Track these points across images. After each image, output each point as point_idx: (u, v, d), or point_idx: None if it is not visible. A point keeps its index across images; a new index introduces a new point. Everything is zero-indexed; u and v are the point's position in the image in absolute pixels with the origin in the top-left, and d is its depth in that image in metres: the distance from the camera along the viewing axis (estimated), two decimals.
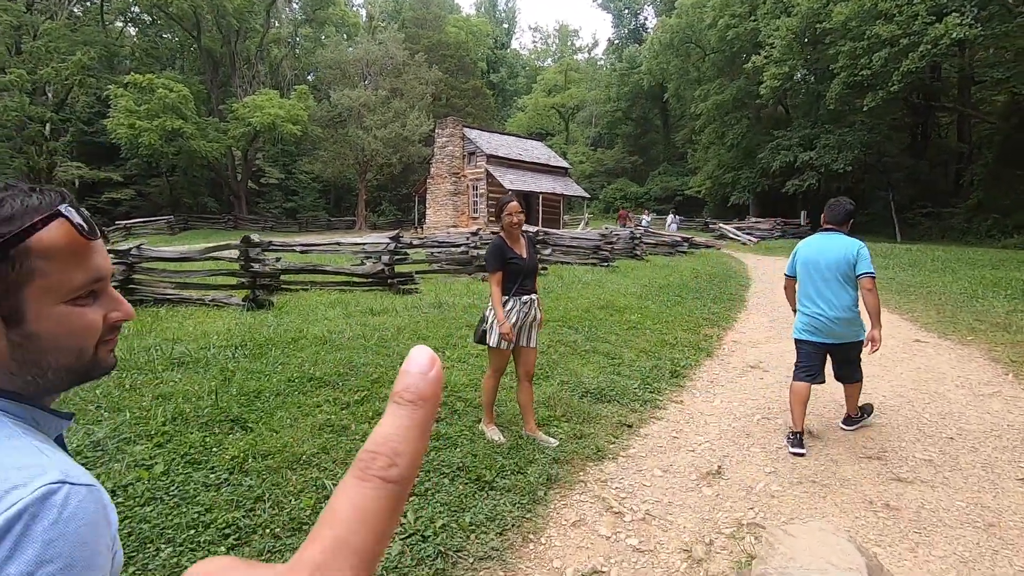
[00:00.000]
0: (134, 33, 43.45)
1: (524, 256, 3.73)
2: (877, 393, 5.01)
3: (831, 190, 30.11)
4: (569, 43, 76.58)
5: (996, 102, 27.87)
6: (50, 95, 29.96)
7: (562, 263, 13.89)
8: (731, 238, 25.05)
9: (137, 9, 37.59)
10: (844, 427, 4.20)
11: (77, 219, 0.66)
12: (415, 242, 11.87)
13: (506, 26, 77.18)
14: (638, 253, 15.64)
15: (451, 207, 30.57)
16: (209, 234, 32.39)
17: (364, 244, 9.27)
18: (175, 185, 42.60)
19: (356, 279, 9.19)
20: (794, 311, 4.33)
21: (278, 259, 8.41)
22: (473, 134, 31.19)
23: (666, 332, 7.31)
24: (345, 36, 41.01)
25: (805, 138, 25.89)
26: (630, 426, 4.24)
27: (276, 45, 39.35)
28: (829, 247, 3.94)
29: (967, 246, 21.22)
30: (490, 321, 3.69)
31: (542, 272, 11.44)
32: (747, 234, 25.06)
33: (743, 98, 29.43)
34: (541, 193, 30.23)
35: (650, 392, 5.01)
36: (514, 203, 3.69)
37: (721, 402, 4.91)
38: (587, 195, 35.33)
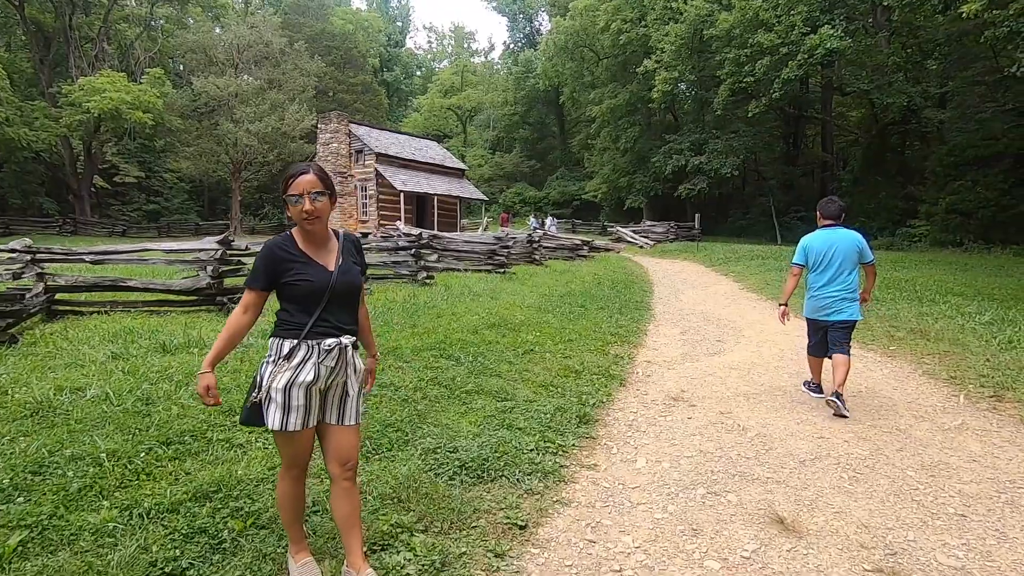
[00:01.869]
0: None
1: (327, 267, 2.13)
2: (837, 436, 3.95)
3: (718, 194, 31.35)
4: (465, 45, 75.47)
5: (851, 117, 30.45)
6: None
7: (452, 270, 12.34)
8: (628, 241, 24.91)
9: None
10: (838, 408, 4.35)
11: None
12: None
13: (399, 24, 74.51)
14: (537, 258, 14.48)
15: (337, 209, 27.91)
16: (37, 240, 27.07)
17: (190, 251, 7.07)
18: (0, 183, 35.76)
19: (173, 296, 7.00)
20: (786, 299, 5.04)
21: (41, 274, 6.06)
22: (361, 131, 28.80)
23: (570, 354, 5.98)
24: (213, 19, 36.63)
25: (695, 143, 26.46)
26: (523, 527, 2.75)
27: (127, 23, 34.13)
28: (839, 239, 4.64)
29: None
30: (267, 385, 2.04)
31: (426, 282, 9.80)
32: (644, 237, 25.05)
33: (636, 103, 29.70)
34: (436, 195, 28.53)
35: (552, 454, 3.57)
36: (306, 176, 2.07)
37: (647, 463, 3.58)
38: (485, 198, 34.18)
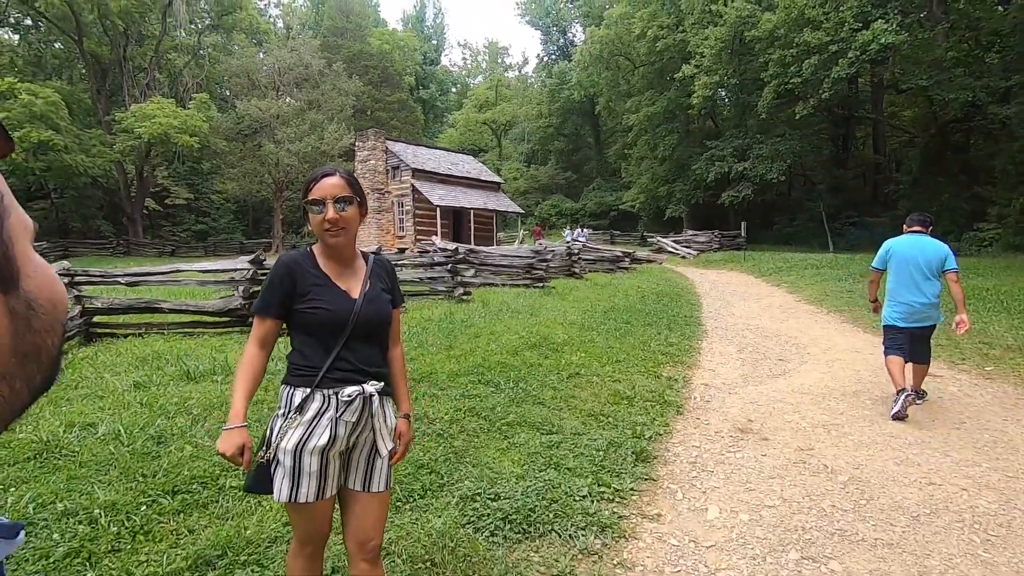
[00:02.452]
0: (15, 40, 38.50)
1: (350, 293, 1.74)
2: (952, 482, 3.32)
3: (762, 201, 30.14)
4: (499, 60, 76.02)
5: (904, 116, 28.85)
6: None
7: (489, 285, 11.98)
8: (670, 252, 24.09)
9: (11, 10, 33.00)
10: (917, 403, 4.64)
11: None
12: None
13: (435, 42, 75.72)
14: (576, 271, 13.98)
15: (375, 225, 28.13)
16: (93, 262, 28.28)
17: (223, 271, 6.92)
18: (62, 208, 37.72)
19: (206, 318, 6.84)
20: (872, 301, 5.26)
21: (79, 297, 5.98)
22: (397, 147, 29.03)
23: (618, 377, 5.48)
24: (256, 44, 37.89)
25: (738, 148, 25.48)
26: None
27: (177, 52, 35.65)
28: (925, 246, 4.63)
29: None
30: (277, 445, 1.66)
31: (463, 299, 9.45)
32: (686, 247, 24.20)
33: (674, 110, 28.93)
34: (472, 209, 28.42)
35: (608, 500, 3.10)
36: (331, 180, 1.69)
37: (720, 513, 3.05)
38: (521, 210, 33.90)
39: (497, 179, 33.17)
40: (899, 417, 4.33)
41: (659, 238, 25.99)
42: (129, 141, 27.02)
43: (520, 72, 73.33)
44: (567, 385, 5.10)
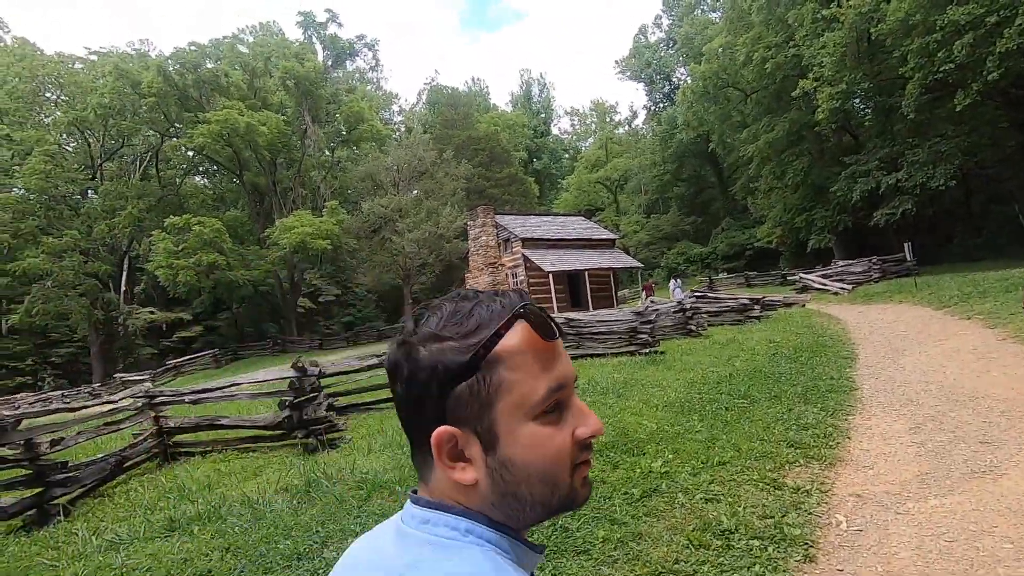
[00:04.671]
0: (204, 182, 47.36)
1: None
2: None
3: (932, 214, 25.22)
4: (608, 119, 76.60)
5: None
6: (102, 249, 31.48)
7: (590, 356, 10.68)
8: (818, 288, 20.65)
9: (194, 160, 40.54)
10: None
11: (537, 319, 0.59)
12: None
13: (543, 115, 78.79)
14: (693, 328, 12.09)
15: None
16: (253, 362, 31.75)
17: (270, 382, 6.62)
18: (239, 316, 43.75)
19: (264, 432, 6.49)
20: None
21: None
22: (506, 220, 29.37)
23: (716, 493, 3.91)
24: (379, 149, 41.99)
25: (885, 159, 21.71)
26: None
27: (316, 170, 40.70)
28: None
29: None
30: None
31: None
32: (837, 281, 20.58)
33: (799, 131, 25.90)
34: (587, 270, 27.37)
35: None
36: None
37: None
38: (639, 264, 32.13)
39: (611, 235, 31.95)
40: None
41: (802, 274, 22.55)
42: (277, 252, 30.59)
43: (630, 126, 73.00)
44: (637, 512, 3.68)
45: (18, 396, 25.12)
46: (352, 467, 4.88)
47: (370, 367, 8.31)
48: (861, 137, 26.11)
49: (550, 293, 26.46)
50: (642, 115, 69.49)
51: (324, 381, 8.50)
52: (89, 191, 34.00)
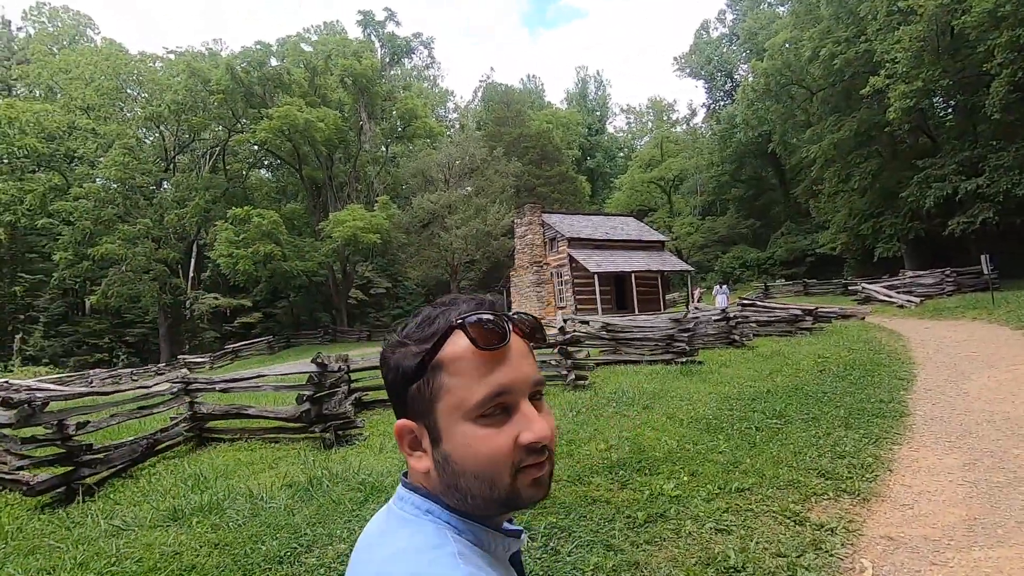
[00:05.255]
0: (268, 175, 49.68)
1: None
2: None
3: (1018, 223, 23.09)
4: (665, 117, 74.70)
5: None
6: (172, 237, 33.43)
7: (627, 363, 10.36)
8: (882, 300, 19.31)
9: (258, 154, 42.45)
10: None
11: (474, 332, 0.63)
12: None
13: (598, 113, 77.71)
14: (736, 337, 11.52)
15: (535, 298, 28.06)
16: (304, 350, 32.90)
17: (294, 374, 6.73)
18: (295, 305, 45.51)
19: (287, 423, 6.61)
20: None
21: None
22: (553, 219, 29.11)
23: (731, 524, 3.62)
24: (432, 146, 42.59)
25: (965, 162, 20.00)
26: None
27: (370, 164, 41.70)
28: None
29: None
30: None
31: (578, 384, 8.09)
32: (904, 293, 19.17)
33: (868, 131, 24.24)
34: (633, 272, 26.75)
35: None
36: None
37: None
38: (689, 268, 31.13)
39: (660, 238, 31.10)
40: None
41: (864, 284, 21.15)
42: (331, 245, 31.55)
43: (689, 125, 70.89)
44: (638, 538, 3.45)
45: (92, 372, 27.09)
46: (359, 466, 4.86)
47: None
48: (939, 139, 24.20)
49: (595, 294, 26.03)
50: (701, 114, 67.32)
51: (354, 375, 8.62)
52: (163, 182, 36.18)
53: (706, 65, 54.19)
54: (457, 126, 59.79)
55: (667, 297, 28.75)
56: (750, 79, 32.12)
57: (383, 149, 41.57)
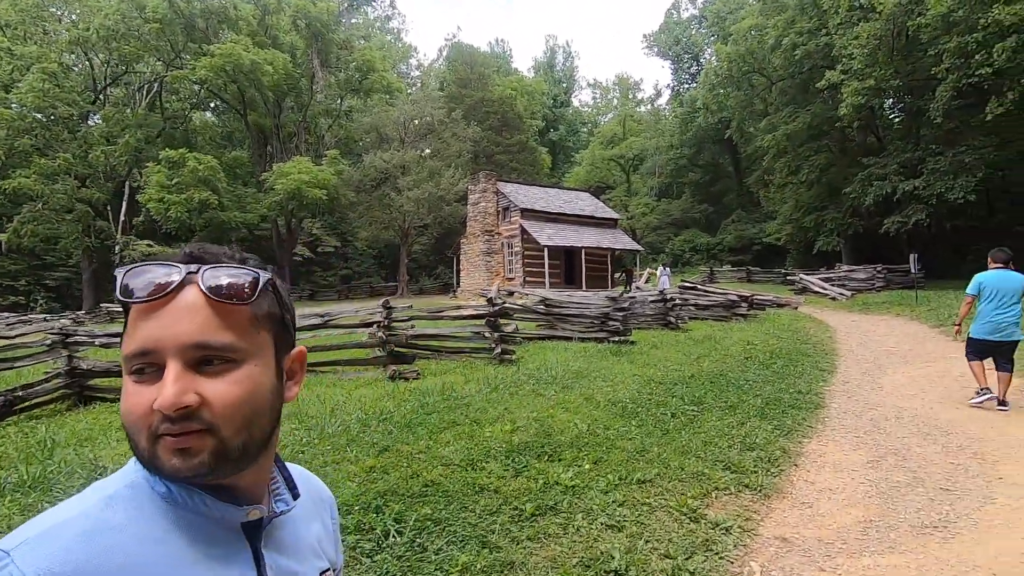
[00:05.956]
0: (214, 119, 46.53)
1: None
2: None
3: (950, 227, 24.22)
4: (630, 95, 74.38)
5: None
6: (101, 177, 30.88)
7: (559, 338, 10.13)
8: (817, 292, 19.92)
9: (201, 95, 39.53)
10: (1001, 409, 5.77)
11: (127, 279, 0.60)
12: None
13: (564, 85, 76.54)
14: (672, 320, 11.49)
15: (484, 267, 27.63)
16: None
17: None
18: None
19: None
20: (960, 321, 6.69)
21: None
22: (508, 188, 28.55)
23: (624, 519, 3.37)
24: (390, 103, 40.84)
25: (905, 164, 20.63)
26: None
27: (323, 116, 39.64)
28: (1009, 278, 5.98)
29: None
30: None
31: (504, 358, 7.79)
32: (838, 286, 19.83)
33: (820, 125, 24.66)
34: (583, 248, 26.64)
35: None
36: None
37: None
38: (639, 247, 31.32)
39: (614, 215, 31.07)
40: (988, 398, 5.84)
41: (802, 275, 21.76)
42: (273, 197, 29.92)
43: (653, 105, 70.84)
44: (520, 534, 3.15)
45: (2, 315, 24.98)
46: None
47: (313, 327, 7.79)
48: (885, 139, 24.91)
49: (544, 267, 25.83)
50: (666, 95, 67.36)
51: None
52: (91, 115, 33.21)
53: (674, 46, 53.97)
54: (419, 84, 57.55)
55: (616, 275, 28.87)
56: (714, 63, 32.00)
57: (338, 102, 39.52)
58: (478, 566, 2.79)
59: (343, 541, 2.87)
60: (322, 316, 7.65)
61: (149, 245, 32.07)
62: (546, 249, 25.54)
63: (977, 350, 6.12)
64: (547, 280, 25.72)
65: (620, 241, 29.16)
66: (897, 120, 24.98)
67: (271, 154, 38.44)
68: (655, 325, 11.63)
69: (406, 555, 2.81)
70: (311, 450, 4.05)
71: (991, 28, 15.25)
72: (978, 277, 6.21)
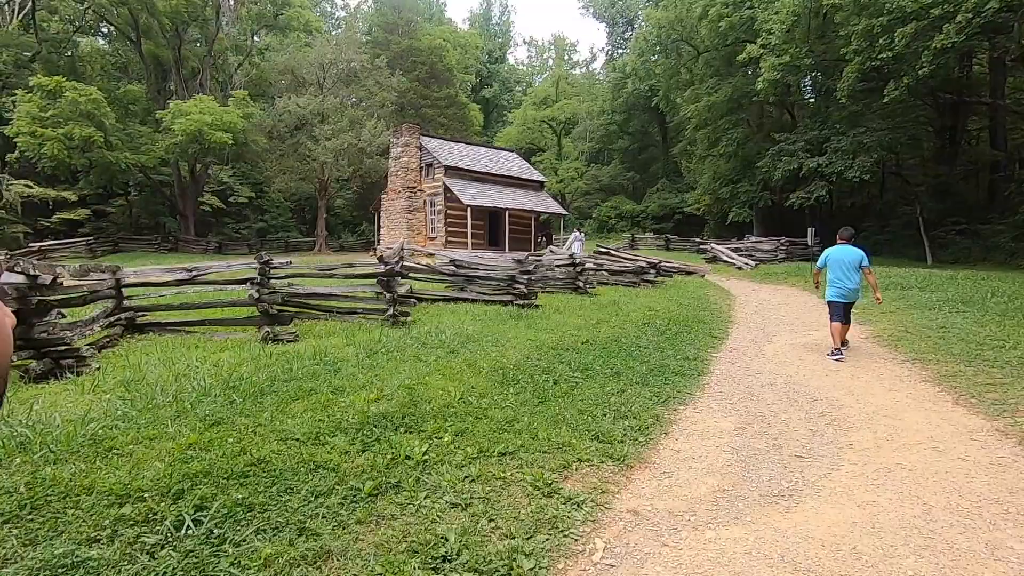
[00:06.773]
0: (106, 45, 41.07)
1: None
2: None
3: (851, 205, 25.86)
4: (566, 56, 73.44)
5: None
6: None
7: (468, 301, 9.80)
8: (725, 261, 20.76)
9: (87, 18, 34.72)
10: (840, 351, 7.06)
11: None
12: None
13: (500, 40, 74.31)
14: (581, 284, 11.46)
15: (405, 225, 26.69)
16: (136, 256, 28.77)
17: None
18: (135, 205, 39.43)
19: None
20: (816, 285, 8.30)
21: None
22: (432, 144, 27.44)
23: (475, 495, 3.13)
24: (307, 45, 37.84)
25: (812, 141, 21.64)
26: None
27: (232, 52, 36.16)
28: (848, 252, 7.17)
29: (1019, 270, 16.83)
30: None
31: (400, 320, 7.37)
32: (745, 256, 20.76)
33: (739, 98, 25.33)
34: (508, 209, 26.28)
35: None
36: None
37: None
38: (564, 211, 31.40)
39: (540, 178, 30.78)
40: (839, 359, 6.85)
41: (713, 244, 22.62)
42: (172, 139, 27.17)
43: (588, 69, 70.38)
44: (348, 517, 2.82)
45: None
46: (46, 410, 3.74)
47: (179, 281, 6.99)
48: (798, 117, 26.00)
49: (467, 228, 25.30)
50: (601, 59, 67.15)
51: (127, 292, 7.16)
52: None
53: (609, 8, 53.39)
54: (343, 27, 53.76)
55: (538, 240, 28.84)
56: (646, 27, 31.86)
57: (249, 37, 36.13)
58: (285, 558, 2.45)
59: (121, 536, 2.43)
60: (190, 271, 6.86)
61: (28, 186, 28.44)
62: (469, 209, 24.97)
63: (834, 311, 7.15)
64: (469, 241, 25.25)
65: (546, 204, 29.02)
66: (811, 99, 26.04)
67: (172, 91, 34.81)
68: (564, 290, 11.56)
69: (197, 549, 2.42)
70: (124, 425, 3.51)
71: (896, 13, 15.92)
72: (826, 252, 7.45)
